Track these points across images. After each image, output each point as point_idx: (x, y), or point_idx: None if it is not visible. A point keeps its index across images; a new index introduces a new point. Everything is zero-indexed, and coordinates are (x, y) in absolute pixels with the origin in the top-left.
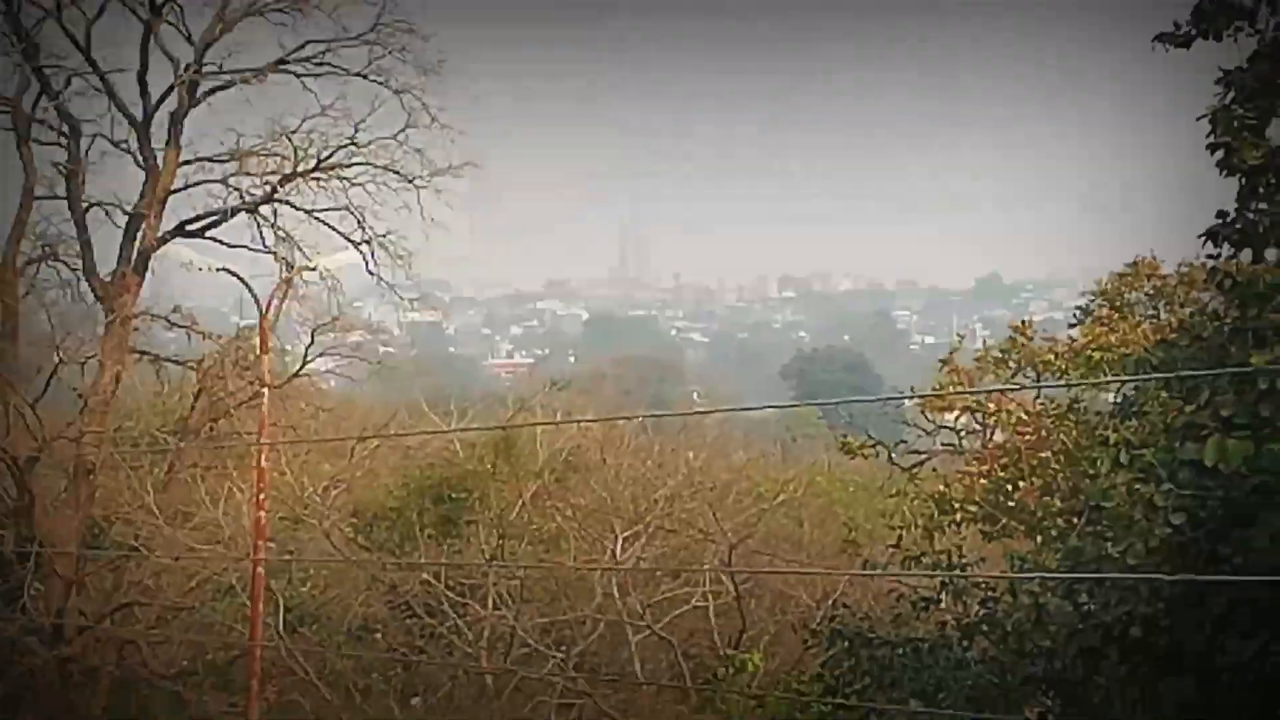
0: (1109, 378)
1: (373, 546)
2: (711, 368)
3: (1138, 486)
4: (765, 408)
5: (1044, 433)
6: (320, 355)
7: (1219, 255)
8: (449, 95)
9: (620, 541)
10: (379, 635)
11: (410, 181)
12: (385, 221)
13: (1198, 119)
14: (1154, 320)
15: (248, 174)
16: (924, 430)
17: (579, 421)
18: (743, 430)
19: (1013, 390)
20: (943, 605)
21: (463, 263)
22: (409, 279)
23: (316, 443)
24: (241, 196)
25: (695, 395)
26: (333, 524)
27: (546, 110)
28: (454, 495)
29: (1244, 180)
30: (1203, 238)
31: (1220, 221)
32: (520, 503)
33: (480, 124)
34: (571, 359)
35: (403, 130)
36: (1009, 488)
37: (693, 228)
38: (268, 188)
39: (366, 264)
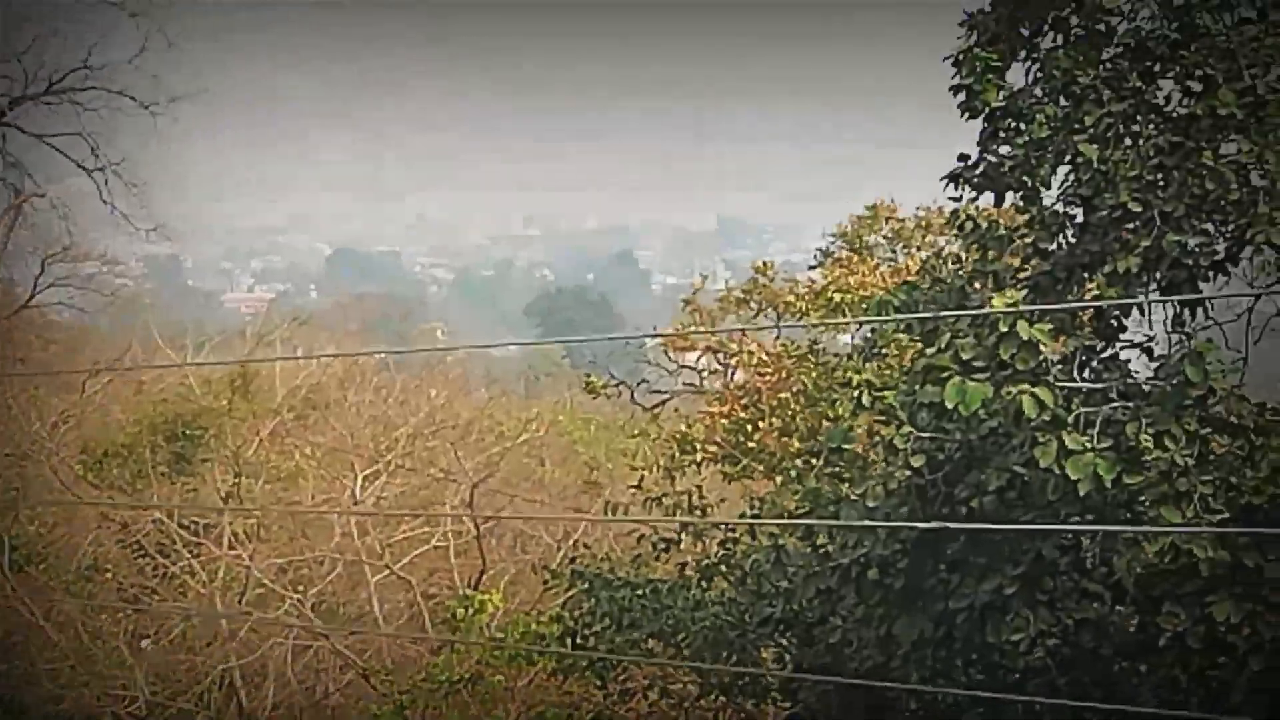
0: (854, 318)
1: (103, 485)
2: (455, 305)
3: (878, 428)
4: (507, 344)
5: (784, 373)
6: (51, 286)
7: (960, 199)
8: (187, 20)
9: (360, 480)
10: (109, 575)
11: (146, 107)
12: (119, 148)
13: (943, 60)
14: (892, 263)
15: None
16: (666, 370)
17: (318, 356)
18: (485, 369)
19: (756, 330)
20: (683, 546)
21: (201, 194)
22: (144, 208)
23: (45, 375)
24: None
25: (439, 333)
26: (61, 460)
27: (296, 36)
28: (189, 432)
29: (986, 123)
30: (944, 180)
31: (962, 165)
32: (258, 440)
33: (222, 50)
34: (313, 294)
35: (138, 54)
36: (749, 428)
37: (440, 165)
38: None
39: (100, 192)
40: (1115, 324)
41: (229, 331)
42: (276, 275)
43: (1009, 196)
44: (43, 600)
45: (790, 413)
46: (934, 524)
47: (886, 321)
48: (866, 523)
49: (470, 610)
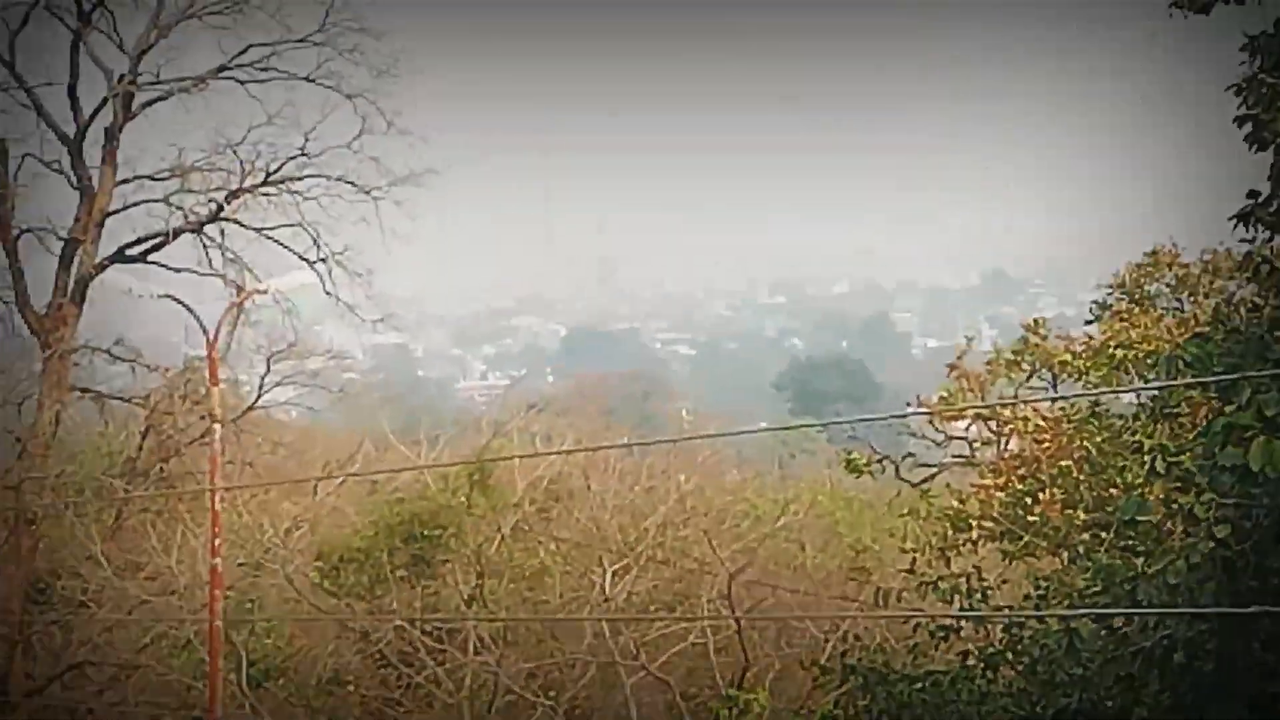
0: (1141, 384)
1: (340, 592)
2: (700, 381)
3: (1175, 497)
4: (760, 431)
5: (1064, 439)
6: (277, 385)
7: (1252, 239)
8: (406, 98)
9: (609, 575)
10: (351, 688)
11: (367, 193)
12: (341, 237)
13: (1226, 89)
14: (1177, 313)
15: (191, 191)
16: (933, 441)
17: (559, 452)
18: (737, 449)
19: (1032, 402)
20: (963, 634)
21: (429, 280)
22: (370, 298)
23: (276, 484)
24: (185, 216)
25: (684, 412)
26: (296, 568)
27: (514, 112)
28: (426, 532)
29: (1277, 156)
30: (1233, 220)
31: (1252, 202)
32: (499, 537)
33: (441, 129)
34: (549, 378)
35: (357, 138)
36: (1029, 501)
37: (674, 233)
38: (213, 205)
39: (323, 283)
40: None
41: (463, 422)
42: (510, 360)
43: None
44: (283, 716)
45: (1074, 482)
46: (1257, 608)
47: (1179, 385)
48: (1167, 609)
49: (734, 711)
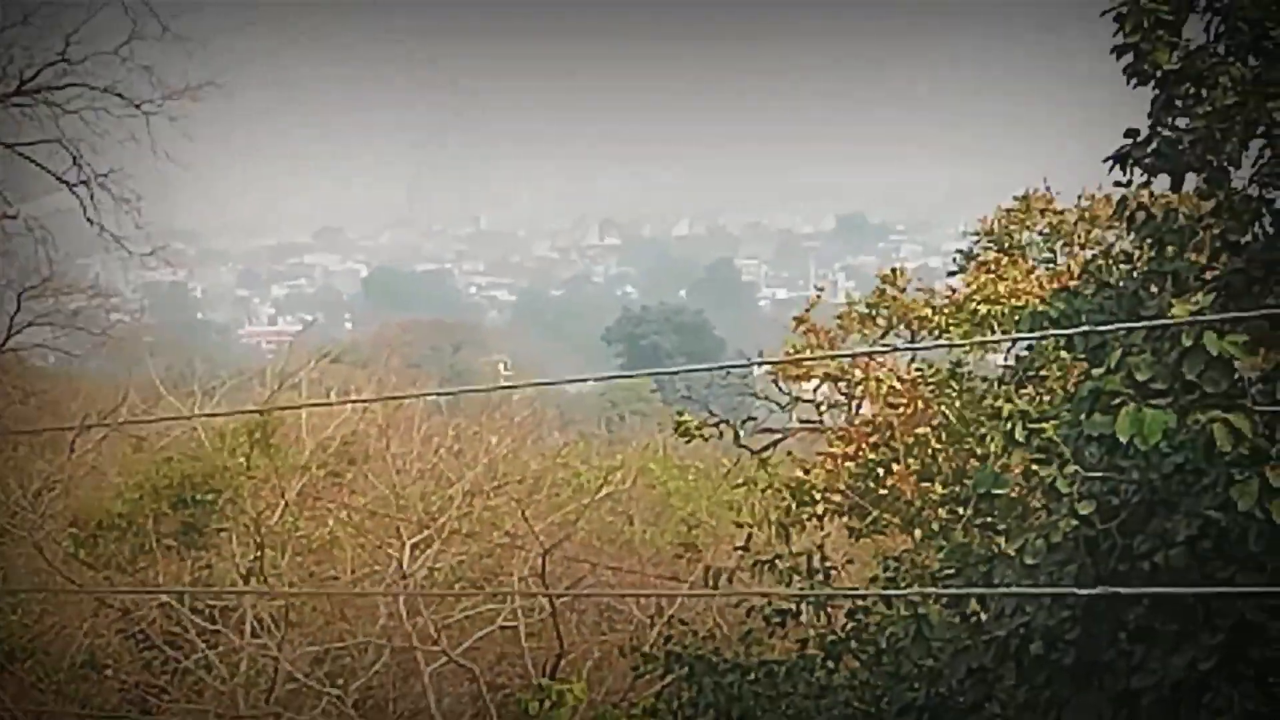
0: (999, 335)
1: (98, 563)
2: (519, 331)
3: (1036, 468)
4: (585, 380)
5: (921, 404)
6: (30, 325)
7: (1129, 184)
8: None
9: (408, 549)
10: (110, 672)
11: (137, 106)
12: (107, 157)
13: (1101, 15)
14: (1050, 265)
15: None
16: (777, 404)
17: (356, 401)
18: (559, 409)
19: (883, 352)
20: (802, 619)
21: (210, 210)
22: (140, 228)
23: (25, 434)
24: None
25: (501, 366)
26: (47, 535)
27: (322, 17)
28: (199, 496)
29: (1158, 91)
30: (1109, 162)
31: (1130, 142)
32: (283, 504)
33: (225, 34)
34: (348, 324)
35: (126, 43)
36: (880, 472)
37: (494, 165)
38: None
39: (85, 209)
40: None
41: (247, 373)
42: (303, 303)
43: (1189, 179)
44: (30, 704)
45: (930, 452)
46: (1101, 589)
47: (1043, 337)
48: (1026, 590)
49: (547, 703)
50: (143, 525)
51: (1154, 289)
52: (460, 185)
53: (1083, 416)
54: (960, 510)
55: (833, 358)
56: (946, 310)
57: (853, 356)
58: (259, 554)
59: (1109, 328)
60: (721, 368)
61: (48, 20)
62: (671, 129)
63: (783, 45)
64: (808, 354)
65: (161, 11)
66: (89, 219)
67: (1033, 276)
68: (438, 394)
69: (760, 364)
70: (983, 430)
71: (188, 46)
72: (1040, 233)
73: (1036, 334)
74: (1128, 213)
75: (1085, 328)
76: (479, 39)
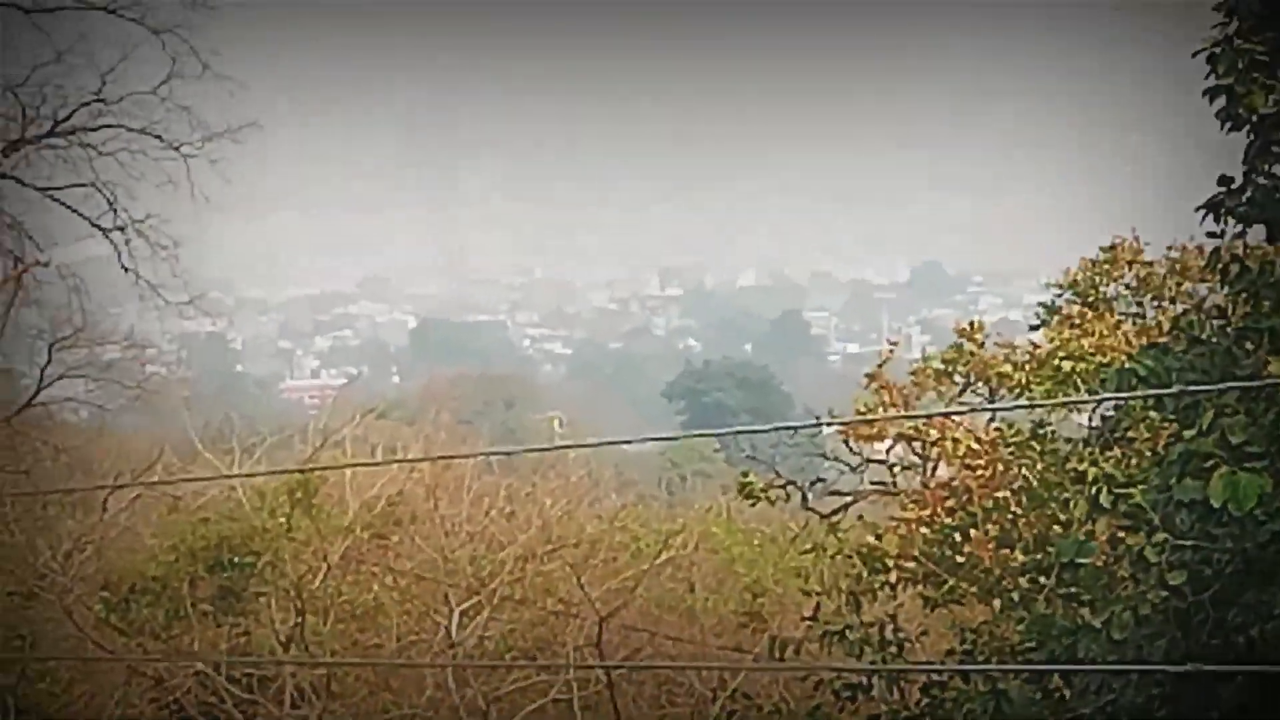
0: (1083, 395)
1: (131, 629)
2: (575, 386)
3: (1123, 536)
4: (645, 440)
5: (1001, 466)
6: (61, 377)
7: (1222, 234)
8: (225, 35)
9: (457, 615)
10: None
11: (176, 148)
12: (143, 201)
13: (1193, 55)
14: (1138, 320)
15: None
16: (847, 465)
17: (403, 461)
18: (616, 468)
19: (960, 413)
20: (874, 694)
21: (250, 256)
22: (177, 276)
23: (55, 493)
24: None
25: (555, 423)
26: (77, 599)
27: (358, 56)
28: (237, 559)
29: (1253, 136)
30: (1201, 211)
31: (1223, 190)
32: (325, 567)
33: (267, 74)
34: (395, 378)
35: (165, 82)
36: (957, 538)
37: (549, 210)
38: None
39: (120, 256)
40: None
41: (288, 429)
42: (347, 356)
43: None
44: None
45: (1010, 517)
46: (1193, 666)
47: (1131, 398)
48: (1112, 666)
49: None
50: (178, 589)
51: (1249, 346)
52: (514, 232)
53: (1173, 481)
54: (1042, 580)
55: (907, 418)
56: (1028, 367)
57: (928, 417)
58: (299, 620)
59: (1202, 388)
60: (789, 428)
61: (82, 58)
62: (736, 171)
63: (856, 85)
64: (880, 413)
65: (201, 49)
66: (124, 266)
67: (1120, 331)
68: (489, 454)
69: (830, 424)
70: (1066, 495)
71: (228, 86)
72: (1127, 285)
73: (1124, 394)
74: (1221, 265)
75: (1176, 388)
76: (531, 81)
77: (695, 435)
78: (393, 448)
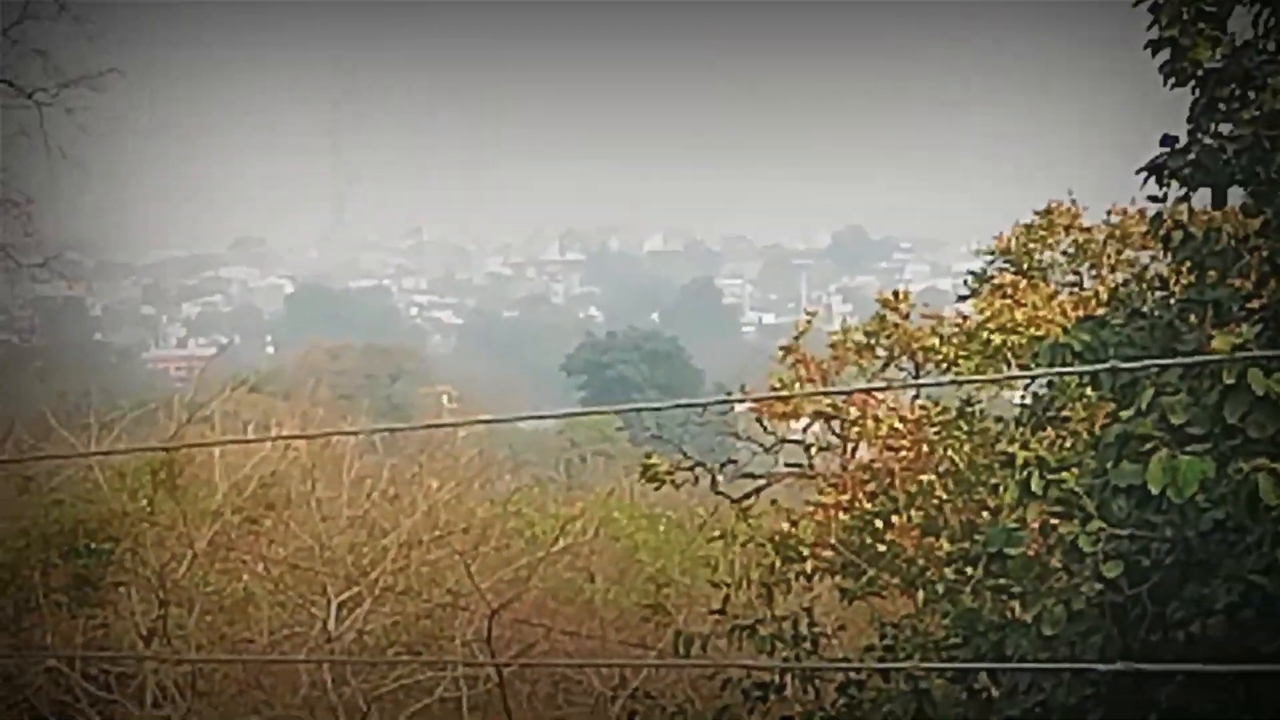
0: (1014, 371)
1: None
2: (467, 358)
3: (1055, 524)
4: (541, 417)
5: (926, 448)
6: None
7: (1164, 198)
8: None
9: (335, 607)
10: None
11: (29, 96)
12: None
13: (1134, 4)
14: (1075, 290)
15: None
16: (760, 445)
17: (277, 439)
18: (510, 448)
19: (882, 389)
20: (786, 693)
21: (111, 215)
22: (29, 236)
23: None
24: None
25: (445, 398)
26: None
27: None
28: (94, 545)
29: (1198, 92)
30: (1143, 173)
31: (1167, 150)
32: (191, 554)
33: (128, 16)
34: (270, 348)
35: (18, 24)
36: (878, 525)
37: (438, 167)
38: None
39: None
40: None
41: (151, 403)
42: (218, 323)
43: (1234, 194)
44: None
45: (935, 503)
46: (1129, 664)
47: (1066, 374)
48: (1043, 664)
49: None
50: (28, 578)
51: (1192, 319)
52: (399, 191)
53: (1109, 465)
54: (969, 570)
55: (825, 395)
56: (956, 340)
57: (848, 394)
58: (162, 612)
59: (1140, 364)
60: (698, 404)
61: None
62: (645, 130)
63: (772, 43)
64: (797, 389)
65: None
66: None
67: (1055, 303)
68: (371, 431)
69: (742, 400)
70: (995, 479)
71: (88, 29)
72: (1064, 252)
73: (1057, 370)
74: (1163, 231)
75: (1113, 363)
76: (419, 26)
77: (596, 412)
78: (266, 424)
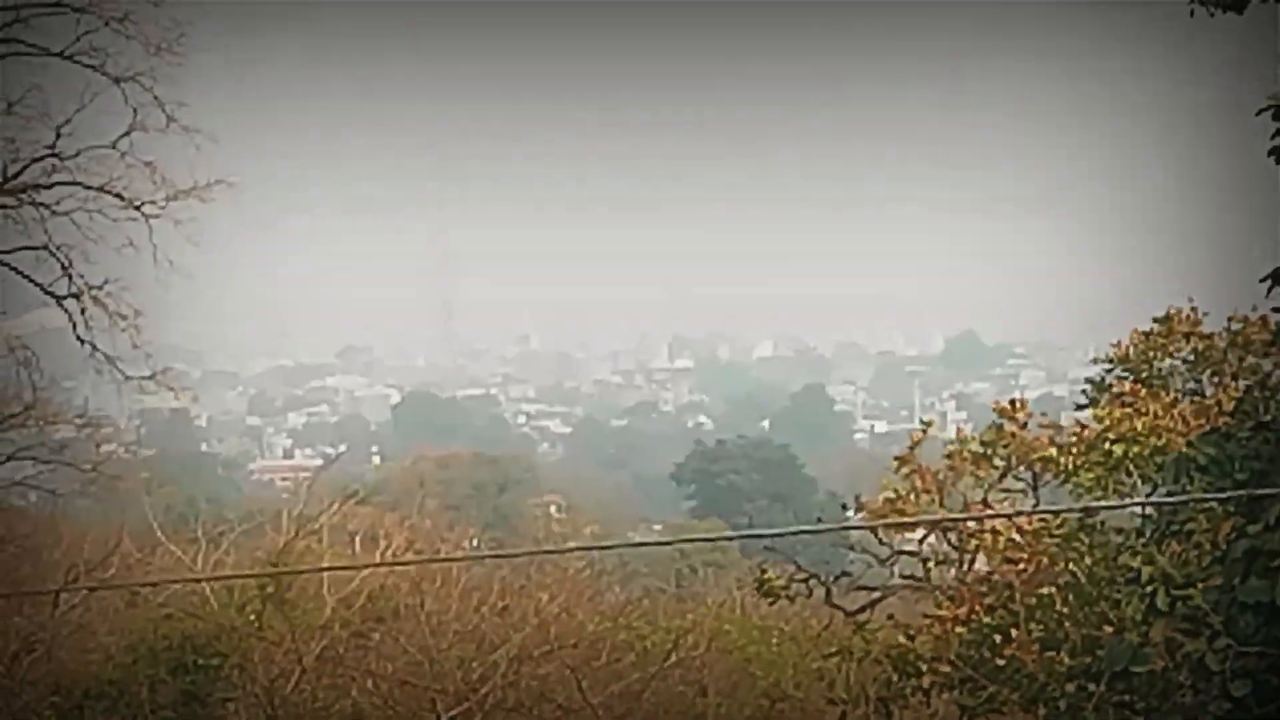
0: (1138, 493)
1: None
2: (575, 468)
3: (1181, 640)
4: (653, 545)
5: (1045, 560)
6: (9, 459)
7: None
8: (192, 86)
9: None
10: None
11: (137, 208)
12: (101, 266)
13: (1257, 114)
14: (1196, 398)
15: None
16: (875, 557)
17: (384, 565)
18: (620, 559)
19: (1004, 516)
20: None
21: (217, 326)
22: (137, 347)
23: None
24: None
25: (553, 509)
26: (25, 705)
27: (335, 108)
28: (202, 661)
29: None
30: (1266, 281)
31: None
32: (299, 669)
33: (238, 127)
34: (375, 458)
35: (125, 135)
36: (997, 639)
37: (548, 272)
38: None
39: (75, 326)
40: None
41: (258, 515)
42: (324, 434)
43: None
44: None
45: (1056, 617)
46: None
47: (1190, 500)
48: None
49: None
50: (136, 694)
51: None
52: (507, 298)
53: (1236, 580)
54: (1091, 687)
55: (943, 521)
56: (1074, 450)
57: (966, 520)
58: None
59: (1271, 492)
60: (809, 531)
61: (35, 109)
62: (754, 235)
63: (892, 142)
64: (911, 499)
65: (166, 99)
66: (79, 337)
67: (1176, 411)
68: (480, 557)
69: (857, 528)
70: (1118, 593)
71: (195, 139)
72: (1185, 360)
73: (1179, 499)
74: None
75: (1242, 483)
76: (520, 123)
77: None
78: (374, 536)
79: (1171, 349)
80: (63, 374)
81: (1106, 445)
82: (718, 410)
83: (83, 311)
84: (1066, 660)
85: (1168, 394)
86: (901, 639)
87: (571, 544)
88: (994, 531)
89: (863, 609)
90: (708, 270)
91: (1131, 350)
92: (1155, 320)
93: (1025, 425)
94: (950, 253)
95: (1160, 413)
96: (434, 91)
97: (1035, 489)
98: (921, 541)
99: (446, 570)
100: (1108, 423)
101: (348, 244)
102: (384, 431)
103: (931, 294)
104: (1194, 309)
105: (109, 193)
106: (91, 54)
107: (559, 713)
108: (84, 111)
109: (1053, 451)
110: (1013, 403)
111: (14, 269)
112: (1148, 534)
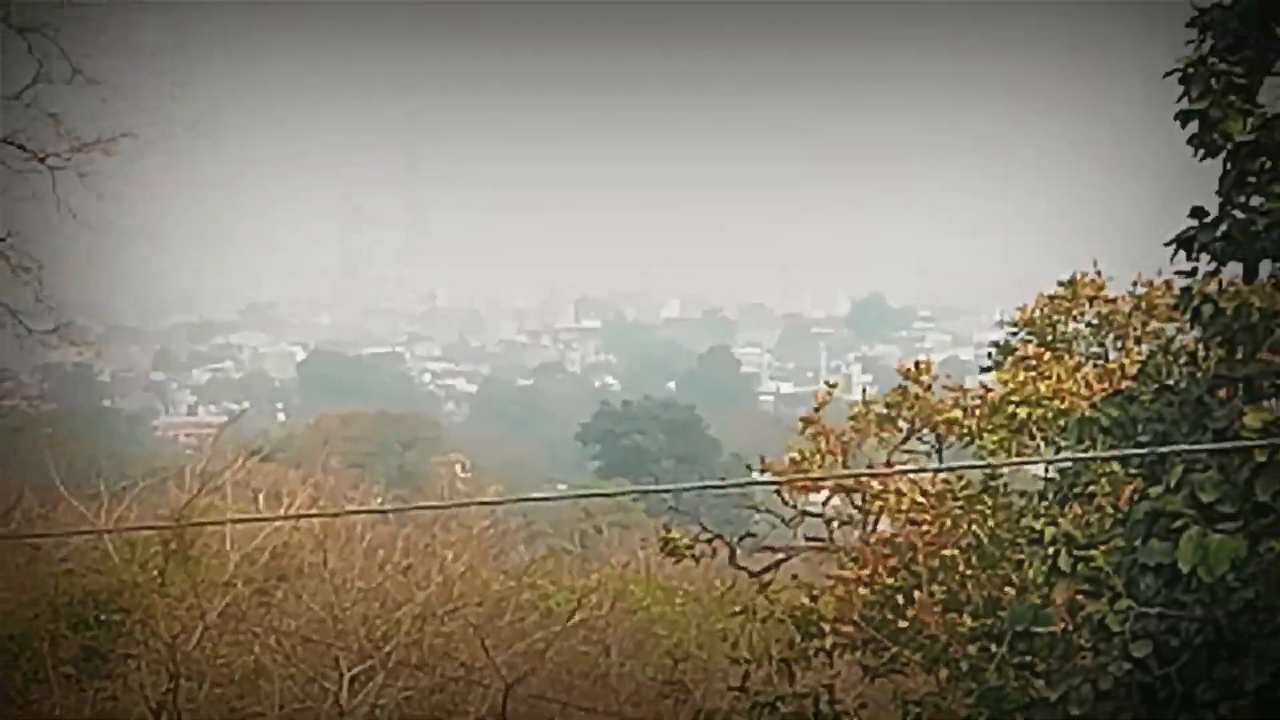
0: (1041, 452)
1: None
2: (480, 426)
3: (1082, 602)
4: (557, 498)
5: (948, 522)
6: None
7: (1194, 271)
8: (99, 38)
9: (347, 681)
10: None
11: (41, 159)
12: (3, 218)
13: (1164, 76)
14: (1100, 361)
15: None
16: (780, 518)
17: (282, 519)
18: (525, 518)
19: (905, 473)
20: None
21: (121, 280)
22: (40, 301)
23: None
24: None
25: (458, 468)
26: None
27: (248, 61)
28: (104, 616)
29: (1229, 164)
30: (1172, 245)
31: (1196, 223)
32: (202, 626)
33: (143, 80)
34: (280, 415)
35: (30, 86)
36: (899, 600)
37: (453, 232)
38: None
39: None
40: None
41: (162, 471)
42: (229, 390)
43: (1264, 267)
44: None
45: (959, 578)
46: None
47: (1093, 459)
48: None
49: None
50: (37, 649)
51: (1222, 395)
52: (412, 255)
53: (1138, 542)
54: (993, 648)
55: (844, 478)
56: (979, 412)
57: (870, 476)
58: (172, 685)
59: (1171, 448)
60: (714, 486)
61: None
62: (661, 196)
63: (790, 109)
64: (817, 460)
65: (72, 52)
66: None
67: (1080, 375)
68: (382, 511)
69: (763, 483)
70: (1020, 555)
71: (102, 92)
72: (1089, 323)
73: (1082, 455)
74: (1192, 305)
75: (1145, 445)
76: (433, 77)
77: (614, 494)
78: (278, 493)
79: (1076, 313)
80: None
81: (1010, 408)
82: (624, 371)
83: None
84: (969, 621)
85: (1071, 357)
86: (805, 600)
87: (473, 503)
88: (897, 493)
89: (766, 569)
90: (615, 228)
91: (1036, 314)
92: (1060, 284)
93: (930, 388)
94: (858, 215)
95: (1064, 376)
96: (353, 49)
97: (939, 451)
98: (825, 503)
99: (350, 528)
100: (1012, 386)
101: (252, 201)
102: (288, 389)
103: (838, 255)
104: (1099, 273)
105: (12, 144)
106: None
107: (462, 670)
108: None
109: (957, 414)
110: (917, 365)
111: None
112: (1050, 496)
